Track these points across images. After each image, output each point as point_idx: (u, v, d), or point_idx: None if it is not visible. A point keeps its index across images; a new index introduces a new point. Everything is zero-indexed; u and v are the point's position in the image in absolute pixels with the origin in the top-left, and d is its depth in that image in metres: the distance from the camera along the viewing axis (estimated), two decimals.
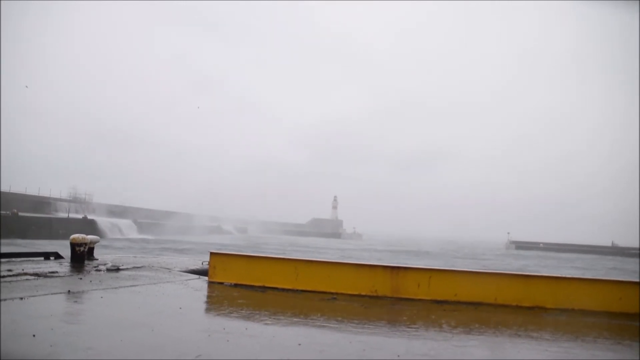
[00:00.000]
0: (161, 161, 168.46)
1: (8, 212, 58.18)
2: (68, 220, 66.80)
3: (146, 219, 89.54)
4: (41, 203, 73.51)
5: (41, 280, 9.31)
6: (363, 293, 10.16)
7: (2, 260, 11.73)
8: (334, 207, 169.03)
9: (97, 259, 13.01)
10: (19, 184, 74.64)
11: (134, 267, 12.19)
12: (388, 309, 9.39)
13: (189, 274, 11.80)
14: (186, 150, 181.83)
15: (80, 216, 72.16)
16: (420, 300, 9.83)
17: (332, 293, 10.08)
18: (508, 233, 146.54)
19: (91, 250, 12.97)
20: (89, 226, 65.33)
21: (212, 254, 11.25)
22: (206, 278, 11.04)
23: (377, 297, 10.04)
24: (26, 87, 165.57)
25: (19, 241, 48.09)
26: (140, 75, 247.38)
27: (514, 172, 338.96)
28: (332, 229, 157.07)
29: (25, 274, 9.88)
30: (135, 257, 15.75)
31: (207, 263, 11.36)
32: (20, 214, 59.39)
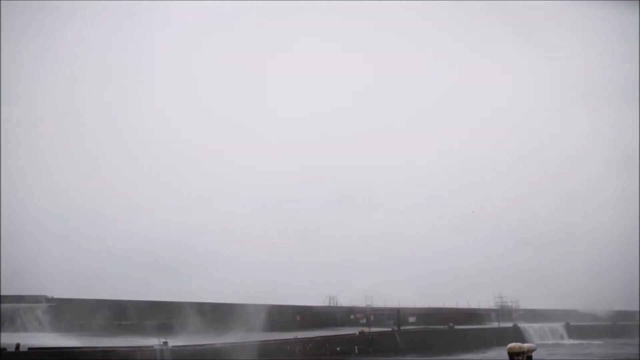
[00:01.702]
0: (585, 257, 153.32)
1: (445, 326, 62.84)
2: (498, 330, 67.66)
3: (580, 322, 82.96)
4: (472, 315, 77.27)
5: None
6: None
7: None
8: None
9: None
10: (449, 298, 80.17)
11: None
12: None
13: None
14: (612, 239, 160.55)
15: (510, 324, 72.25)
16: None
17: None
18: None
19: (529, 358, 12.59)
20: (519, 334, 64.78)
21: None
22: None
23: None
24: (473, 212, 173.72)
25: (464, 355, 50.57)
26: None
27: None
28: None
29: None
30: None
31: None
32: (455, 327, 63.34)
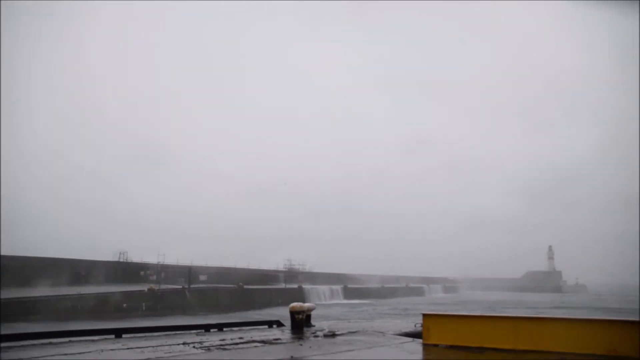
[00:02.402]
0: (368, 227, 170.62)
1: (235, 286, 64.61)
2: (285, 291, 71.80)
3: (355, 284, 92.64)
4: (262, 276, 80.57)
5: (267, 347, 10.01)
6: (598, 353, 8.92)
7: (235, 329, 13.01)
8: (550, 258, 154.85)
9: (314, 325, 13.59)
10: (242, 260, 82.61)
11: (349, 332, 12.46)
12: None
13: (403, 337, 11.67)
14: (393, 214, 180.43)
15: (295, 286, 77.07)
16: None
17: (559, 353, 9.08)
18: None
19: (308, 317, 13.62)
20: (303, 294, 69.70)
21: (425, 315, 10.98)
22: (420, 340, 10.77)
23: (617, 358, 8.72)
24: (285, 183, 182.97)
25: (250, 312, 52.58)
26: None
27: None
28: (549, 282, 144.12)
29: (254, 341, 10.75)
30: (349, 322, 16.11)
31: (420, 325, 11.12)
32: (245, 287, 65.51)
